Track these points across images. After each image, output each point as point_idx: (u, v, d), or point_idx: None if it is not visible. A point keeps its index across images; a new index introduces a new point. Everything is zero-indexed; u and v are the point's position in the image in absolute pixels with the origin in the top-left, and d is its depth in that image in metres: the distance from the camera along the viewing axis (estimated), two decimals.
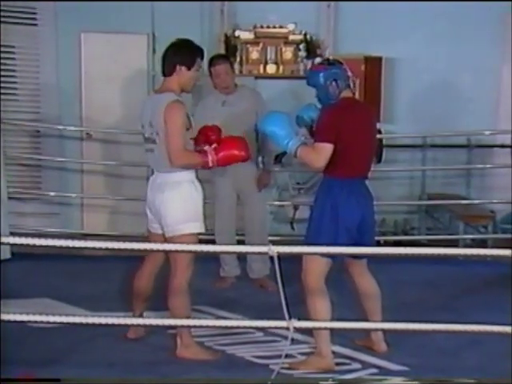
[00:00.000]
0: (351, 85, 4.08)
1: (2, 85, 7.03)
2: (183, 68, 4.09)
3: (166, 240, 4.13)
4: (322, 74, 3.99)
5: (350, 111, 4.02)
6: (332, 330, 4.01)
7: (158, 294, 4.31)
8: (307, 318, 3.80)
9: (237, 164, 5.29)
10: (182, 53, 4.11)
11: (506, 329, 3.30)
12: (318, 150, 3.94)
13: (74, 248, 3.38)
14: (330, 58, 4.11)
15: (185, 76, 4.10)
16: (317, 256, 3.93)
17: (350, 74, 4.06)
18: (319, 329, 3.97)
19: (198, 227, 4.12)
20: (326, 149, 3.91)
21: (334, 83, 3.98)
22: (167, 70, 4.13)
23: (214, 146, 4.11)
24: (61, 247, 3.24)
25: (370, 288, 4.24)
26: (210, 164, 4.07)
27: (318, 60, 5.73)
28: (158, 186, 4.15)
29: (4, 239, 3.44)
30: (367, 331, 4.27)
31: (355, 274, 4.23)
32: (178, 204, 4.08)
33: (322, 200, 4.05)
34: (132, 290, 4.41)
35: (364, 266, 4.22)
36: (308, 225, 4.13)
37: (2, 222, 5.88)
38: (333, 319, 3.96)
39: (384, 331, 4.22)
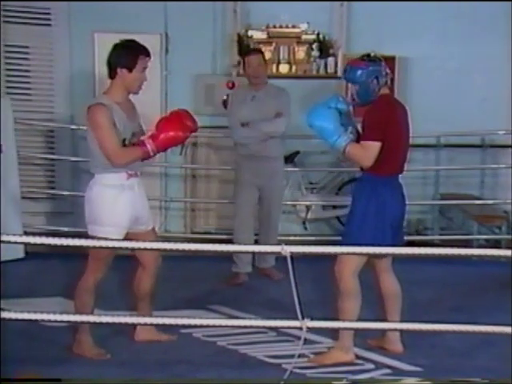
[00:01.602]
0: (389, 82, 4.04)
1: (16, 85, 7.08)
2: (124, 71, 4.02)
3: None
4: (364, 71, 3.94)
5: (394, 108, 4.01)
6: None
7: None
8: (320, 318, 3.78)
9: (263, 160, 5.47)
10: (122, 55, 4.03)
11: None
12: (367, 148, 3.91)
13: (87, 247, 3.40)
14: (371, 54, 4.06)
15: (127, 78, 4.03)
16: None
17: (388, 70, 4.02)
18: (333, 328, 3.97)
19: (106, 232, 3.95)
20: (375, 147, 3.89)
21: (375, 80, 3.95)
22: (110, 74, 4.08)
23: (149, 134, 4.07)
24: (74, 246, 3.25)
25: (392, 286, 4.22)
26: (151, 153, 4.04)
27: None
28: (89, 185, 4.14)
29: (17, 238, 3.47)
30: (382, 331, 4.26)
31: (381, 269, 4.20)
32: (90, 205, 4.05)
33: (366, 197, 4.00)
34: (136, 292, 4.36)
35: (389, 262, 4.20)
36: (347, 222, 4.12)
37: (14, 221, 5.90)
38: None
39: (400, 332, 4.21)
